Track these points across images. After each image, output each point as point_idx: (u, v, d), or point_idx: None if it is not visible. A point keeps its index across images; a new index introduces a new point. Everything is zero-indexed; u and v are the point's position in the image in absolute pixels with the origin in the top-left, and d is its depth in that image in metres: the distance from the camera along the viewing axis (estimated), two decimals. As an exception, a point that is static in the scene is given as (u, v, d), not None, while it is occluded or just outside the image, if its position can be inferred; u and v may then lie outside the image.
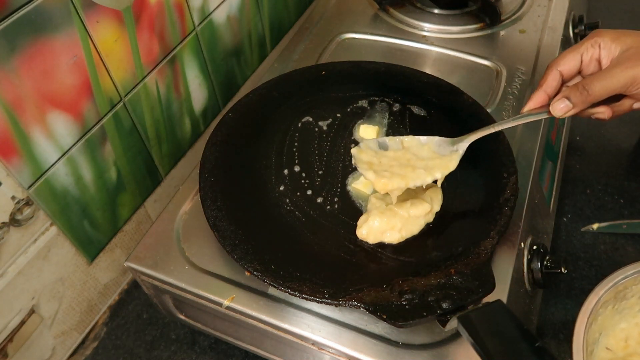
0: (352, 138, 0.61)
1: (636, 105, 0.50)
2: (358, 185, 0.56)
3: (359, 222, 0.52)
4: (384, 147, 0.53)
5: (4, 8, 0.43)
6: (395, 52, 0.77)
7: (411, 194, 0.53)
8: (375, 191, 0.55)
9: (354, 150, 0.52)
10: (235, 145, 0.60)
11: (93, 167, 0.58)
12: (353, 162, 0.52)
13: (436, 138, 0.53)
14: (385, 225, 0.50)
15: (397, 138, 0.54)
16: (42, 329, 0.58)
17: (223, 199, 0.54)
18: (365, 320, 0.48)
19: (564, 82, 0.51)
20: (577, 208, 0.74)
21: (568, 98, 0.47)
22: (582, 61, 0.50)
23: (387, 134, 0.61)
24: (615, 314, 0.53)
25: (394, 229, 0.50)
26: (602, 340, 0.52)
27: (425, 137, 0.54)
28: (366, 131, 0.60)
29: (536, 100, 0.50)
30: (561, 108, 0.48)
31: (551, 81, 0.50)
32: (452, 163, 0.51)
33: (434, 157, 0.52)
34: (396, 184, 0.49)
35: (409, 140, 0.54)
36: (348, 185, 0.56)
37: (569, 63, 0.50)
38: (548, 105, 0.49)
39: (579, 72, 0.51)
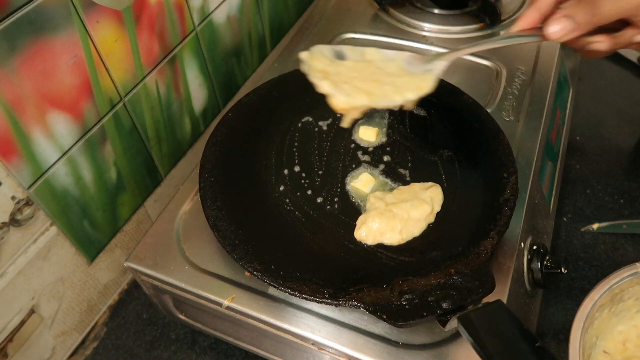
0: (352, 138, 0.61)
1: (637, 37, 0.43)
2: (357, 184, 0.56)
3: (357, 223, 0.51)
4: (340, 57, 0.44)
5: (4, 8, 0.43)
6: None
7: (411, 194, 0.53)
8: (374, 190, 0.55)
9: (303, 55, 0.43)
10: (235, 145, 0.60)
11: (93, 167, 0.58)
12: (302, 67, 0.42)
13: (407, 54, 0.45)
14: (384, 226, 0.50)
15: (358, 48, 0.45)
16: (42, 329, 0.58)
17: (223, 199, 0.54)
18: (365, 320, 0.48)
19: (558, 2, 0.44)
20: (577, 208, 0.74)
21: (571, 17, 0.40)
22: None
23: (387, 134, 0.61)
24: (612, 317, 0.52)
25: (394, 231, 0.50)
26: (600, 344, 0.52)
27: (392, 52, 0.45)
28: (366, 132, 0.60)
29: (528, 19, 0.44)
30: (559, 29, 0.41)
31: None
32: (425, 83, 0.42)
33: (404, 74, 0.43)
34: (359, 100, 0.40)
35: (372, 52, 0.45)
36: (347, 185, 0.56)
37: None
38: (541, 28, 0.43)
39: None
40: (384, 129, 0.62)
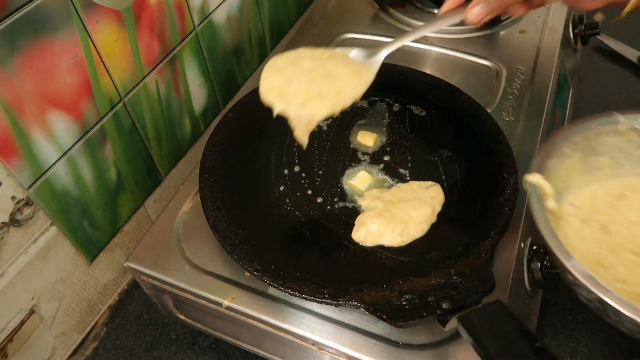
0: (349, 142, 0.61)
1: None
2: (353, 182, 0.56)
3: (355, 224, 0.51)
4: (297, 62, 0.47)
5: (4, 8, 0.43)
6: (395, 52, 0.77)
7: (410, 193, 0.53)
8: (370, 188, 0.55)
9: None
10: (235, 145, 0.60)
11: (93, 167, 0.58)
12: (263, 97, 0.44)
13: (351, 50, 0.49)
14: (384, 227, 0.50)
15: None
16: (42, 329, 0.58)
17: (223, 199, 0.54)
18: (365, 320, 0.48)
19: None
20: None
21: (485, 1, 0.47)
22: None
23: (387, 134, 0.61)
24: (585, 173, 0.50)
25: (395, 232, 0.50)
26: (568, 196, 0.49)
27: (337, 50, 0.49)
28: (364, 137, 0.60)
29: (451, 2, 0.49)
30: (477, 14, 0.47)
31: None
32: (366, 77, 0.46)
33: (351, 65, 0.47)
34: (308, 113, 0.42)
35: (320, 52, 0.48)
36: (344, 184, 0.56)
37: None
38: (464, 7, 0.48)
39: None
40: (384, 132, 0.62)
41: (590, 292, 0.38)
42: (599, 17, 0.51)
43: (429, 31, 0.49)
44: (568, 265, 0.39)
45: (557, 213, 0.47)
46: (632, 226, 0.48)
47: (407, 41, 0.49)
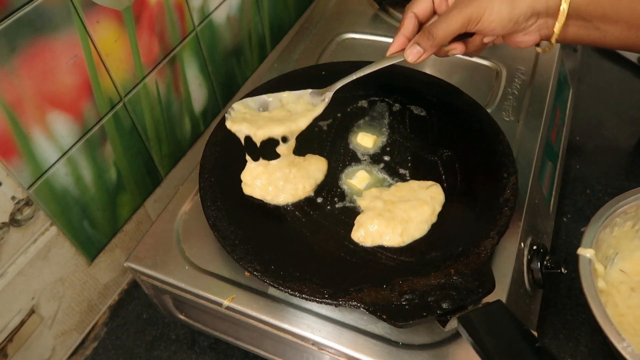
0: (349, 142, 0.61)
1: (486, 39, 0.53)
2: (352, 181, 0.56)
3: (355, 224, 0.51)
4: (264, 107, 0.55)
5: (4, 8, 0.43)
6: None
7: (410, 193, 0.53)
8: (369, 187, 0.55)
9: (230, 111, 0.54)
10: (235, 145, 0.60)
11: (93, 167, 0.58)
12: (227, 124, 0.53)
13: (309, 90, 0.56)
14: (383, 227, 0.50)
15: (276, 95, 0.56)
16: (42, 329, 0.58)
17: (223, 199, 0.54)
18: (365, 320, 0.48)
19: (421, 23, 0.53)
20: (577, 208, 0.74)
21: (418, 44, 0.50)
22: (433, 2, 0.52)
23: (387, 134, 0.61)
24: (635, 238, 0.51)
25: (395, 233, 0.50)
26: (618, 262, 0.51)
27: (300, 91, 0.56)
28: (364, 139, 0.60)
29: (396, 44, 0.53)
30: (414, 53, 0.50)
31: (408, 24, 0.52)
32: (317, 109, 0.53)
33: (308, 109, 0.54)
34: (268, 131, 0.51)
35: (286, 95, 0.56)
36: (343, 183, 0.56)
37: (421, 5, 0.52)
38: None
39: (435, 13, 0.53)
40: (384, 132, 0.61)
41: None
42: (540, 50, 0.52)
43: (377, 68, 0.54)
44: (619, 347, 0.39)
45: (606, 280, 0.49)
46: None
47: (355, 77, 0.54)
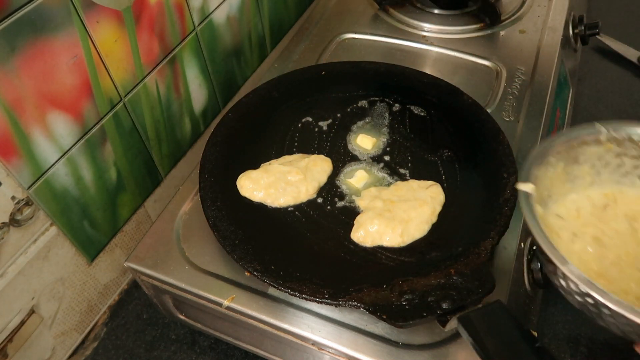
0: (349, 142, 0.61)
1: None
2: (351, 180, 0.56)
3: (355, 224, 0.51)
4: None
5: (4, 8, 0.43)
6: (395, 52, 0.77)
7: (409, 192, 0.53)
8: (367, 187, 0.55)
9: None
10: (235, 145, 0.60)
11: (93, 167, 0.58)
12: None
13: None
14: (383, 228, 0.50)
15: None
16: (42, 329, 0.58)
17: (223, 199, 0.54)
18: (365, 320, 0.48)
19: None
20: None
21: None
22: None
23: (387, 135, 0.61)
24: (567, 182, 0.51)
25: (395, 233, 0.50)
26: (552, 206, 0.51)
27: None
28: (363, 140, 0.60)
29: None
30: None
31: None
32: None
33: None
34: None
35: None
36: (342, 183, 0.56)
37: None
38: None
39: None
40: (384, 132, 0.61)
41: (587, 294, 0.38)
42: None
43: None
44: (564, 269, 0.39)
45: (546, 224, 0.48)
46: (625, 239, 0.49)
47: None
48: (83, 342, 0.66)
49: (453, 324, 0.41)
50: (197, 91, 0.73)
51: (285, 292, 0.46)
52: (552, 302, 0.64)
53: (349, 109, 0.64)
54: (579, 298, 0.41)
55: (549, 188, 0.50)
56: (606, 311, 0.39)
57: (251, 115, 0.63)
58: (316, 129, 0.62)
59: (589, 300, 0.39)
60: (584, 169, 0.52)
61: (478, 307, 0.41)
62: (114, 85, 0.58)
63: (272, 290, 0.51)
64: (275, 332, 0.50)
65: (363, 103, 0.65)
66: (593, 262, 0.47)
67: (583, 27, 0.84)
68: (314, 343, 0.48)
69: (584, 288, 0.38)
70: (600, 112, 0.89)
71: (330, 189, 0.56)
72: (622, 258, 0.47)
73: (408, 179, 0.56)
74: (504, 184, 0.52)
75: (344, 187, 0.56)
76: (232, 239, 0.50)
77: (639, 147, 0.51)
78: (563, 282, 0.42)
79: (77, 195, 0.57)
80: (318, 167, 0.56)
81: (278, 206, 0.54)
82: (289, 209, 0.54)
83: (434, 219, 0.52)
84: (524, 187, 0.46)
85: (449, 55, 0.75)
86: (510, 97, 0.67)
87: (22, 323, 0.55)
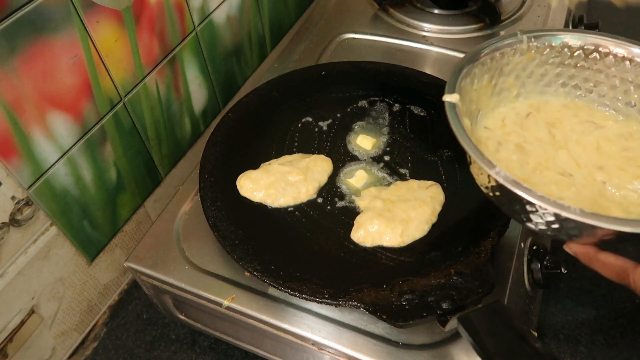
0: (349, 142, 0.61)
1: None
2: (350, 180, 0.56)
3: (354, 224, 0.51)
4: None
5: (4, 8, 0.43)
6: (395, 52, 0.77)
7: (409, 192, 0.53)
8: (367, 186, 0.55)
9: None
10: (235, 145, 0.60)
11: (93, 167, 0.58)
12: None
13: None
14: (383, 228, 0.50)
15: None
16: (42, 329, 0.58)
17: (223, 199, 0.54)
18: (365, 320, 0.48)
19: None
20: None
21: None
22: None
23: (387, 134, 0.61)
24: (493, 95, 0.52)
25: (395, 233, 0.50)
26: (481, 120, 0.51)
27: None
28: (363, 141, 0.60)
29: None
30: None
31: None
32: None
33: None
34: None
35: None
36: (342, 183, 0.56)
37: None
38: None
39: None
40: (384, 132, 0.61)
41: (515, 195, 0.38)
42: None
43: None
44: (492, 172, 0.39)
45: (475, 137, 0.49)
46: (544, 145, 0.49)
47: None
48: (83, 342, 0.66)
49: (453, 324, 0.41)
50: (197, 91, 0.73)
51: (285, 292, 0.46)
52: (552, 302, 0.64)
53: (349, 109, 0.64)
54: (507, 202, 0.41)
55: (477, 102, 0.51)
56: (532, 209, 0.39)
57: (251, 115, 0.63)
58: (316, 129, 0.62)
59: (516, 204, 0.40)
60: (509, 80, 0.52)
61: (478, 307, 0.41)
62: (114, 85, 0.58)
63: (272, 290, 0.51)
64: (275, 332, 0.50)
65: (363, 103, 0.65)
66: (516, 168, 0.48)
67: (583, 27, 0.84)
68: (314, 343, 0.48)
69: (512, 188, 0.38)
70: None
71: (330, 189, 0.56)
72: (542, 163, 0.48)
73: (408, 179, 0.56)
74: (504, 184, 0.52)
75: (343, 187, 0.56)
76: (232, 239, 0.50)
77: (560, 54, 0.51)
78: (492, 189, 0.42)
79: (77, 195, 0.57)
80: (318, 167, 0.56)
81: (278, 206, 0.54)
82: (289, 209, 0.54)
83: (434, 219, 0.52)
84: (449, 97, 0.46)
85: (449, 55, 0.75)
86: (510, 97, 0.67)
87: (22, 323, 0.55)
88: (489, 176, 0.41)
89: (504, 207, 0.43)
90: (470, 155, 0.41)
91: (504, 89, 0.53)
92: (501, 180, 0.39)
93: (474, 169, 0.45)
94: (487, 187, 0.44)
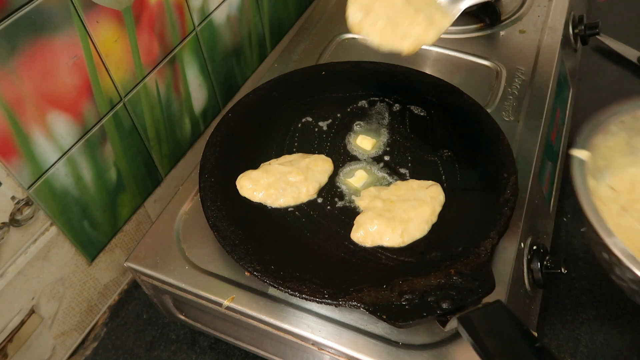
0: (349, 142, 0.61)
1: None
2: (350, 180, 0.56)
3: (354, 224, 0.51)
4: None
5: (4, 8, 0.43)
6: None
7: (409, 192, 0.53)
8: (367, 186, 0.55)
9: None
10: (235, 145, 0.60)
11: (93, 167, 0.58)
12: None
13: None
14: (383, 228, 0.50)
15: None
16: (42, 329, 0.58)
17: (223, 199, 0.54)
18: (365, 320, 0.48)
19: None
20: (577, 208, 0.74)
21: None
22: None
23: (387, 135, 0.61)
24: (627, 153, 0.49)
25: (395, 233, 0.50)
26: (607, 177, 0.48)
27: None
28: (363, 142, 0.60)
29: None
30: None
31: None
32: (446, 20, 0.50)
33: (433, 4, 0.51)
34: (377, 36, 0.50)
35: None
36: (342, 183, 0.56)
37: None
38: None
39: None
40: (384, 132, 0.61)
41: (628, 269, 0.37)
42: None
43: None
44: (609, 242, 0.38)
45: (596, 194, 0.46)
46: None
47: None
48: (83, 342, 0.66)
49: (453, 324, 0.41)
50: (197, 91, 0.73)
51: (285, 292, 0.46)
52: (552, 302, 0.64)
53: (349, 109, 0.64)
54: (618, 272, 0.40)
55: (607, 157, 0.48)
56: None
57: (251, 115, 0.63)
58: (316, 129, 0.62)
59: (629, 275, 0.38)
60: None
61: (478, 307, 0.41)
62: (114, 85, 0.58)
63: (272, 290, 0.51)
64: (275, 332, 0.50)
65: (363, 103, 0.65)
66: (639, 239, 0.45)
67: (583, 27, 0.84)
68: (314, 343, 0.48)
69: (627, 263, 0.37)
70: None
71: (330, 188, 0.56)
72: None
73: (408, 179, 0.56)
74: (504, 184, 0.52)
75: (343, 187, 0.56)
76: (232, 239, 0.50)
77: None
78: (605, 255, 0.41)
79: (77, 195, 0.57)
80: (319, 168, 0.56)
81: (278, 206, 0.54)
82: (289, 209, 0.54)
83: (434, 219, 0.52)
84: (578, 153, 0.43)
85: (449, 55, 0.75)
86: (510, 97, 0.67)
87: (22, 323, 0.55)
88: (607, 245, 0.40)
89: (611, 272, 0.42)
90: (589, 219, 0.40)
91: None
92: (617, 253, 0.38)
93: (589, 230, 0.43)
94: (600, 250, 0.42)
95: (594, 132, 0.45)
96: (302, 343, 0.49)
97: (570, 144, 0.80)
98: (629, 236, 0.45)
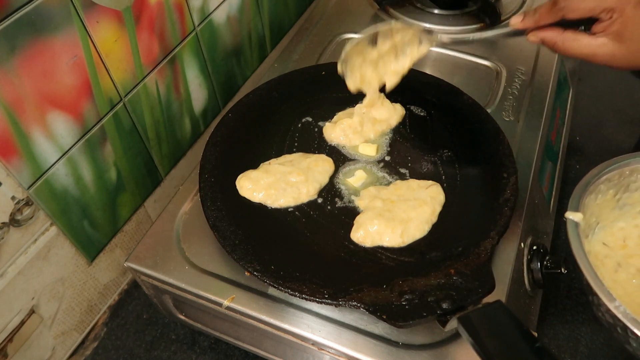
0: (350, 151, 0.61)
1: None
2: (349, 180, 0.56)
3: (354, 224, 0.51)
4: (373, 42, 0.58)
5: (4, 8, 0.43)
6: (395, 52, 0.77)
7: (409, 192, 0.53)
8: (366, 186, 0.55)
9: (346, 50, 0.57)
10: (235, 145, 0.60)
11: (93, 167, 0.58)
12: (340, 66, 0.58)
13: (421, 27, 0.59)
14: (383, 228, 0.50)
15: (387, 24, 0.57)
16: (42, 329, 0.58)
17: (223, 199, 0.54)
18: (365, 320, 0.48)
19: None
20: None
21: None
22: None
23: (388, 134, 0.61)
24: (616, 209, 0.51)
25: (395, 233, 0.49)
26: (599, 233, 0.50)
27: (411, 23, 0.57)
28: (366, 149, 0.60)
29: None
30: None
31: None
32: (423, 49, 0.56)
33: (414, 43, 0.57)
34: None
35: (394, 24, 0.57)
36: (341, 183, 0.56)
37: None
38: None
39: None
40: (386, 141, 0.61)
41: (631, 332, 0.39)
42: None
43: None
44: (611, 306, 0.39)
45: (592, 253, 0.49)
46: None
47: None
48: (83, 342, 0.66)
49: (453, 324, 0.41)
50: (197, 91, 0.73)
51: (285, 292, 0.46)
52: (552, 302, 0.64)
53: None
54: (620, 331, 0.41)
55: (597, 214, 0.50)
56: None
57: (251, 115, 0.63)
58: (316, 129, 0.62)
59: (632, 334, 0.40)
60: (635, 196, 0.51)
61: (478, 307, 0.41)
62: (114, 85, 0.58)
63: (272, 290, 0.51)
64: (275, 332, 0.50)
65: (363, 103, 0.65)
66: (637, 293, 0.47)
67: (583, 28, 0.84)
68: (314, 343, 0.48)
69: (631, 326, 0.38)
70: (600, 112, 0.89)
71: (330, 188, 0.56)
72: None
73: (408, 179, 0.56)
74: (504, 184, 0.52)
75: (343, 187, 0.56)
76: (232, 239, 0.50)
77: None
78: (609, 317, 0.42)
79: (77, 195, 0.57)
80: (319, 168, 0.56)
81: (278, 206, 0.54)
82: (289, 209, 0.54)
83: (434, 219, 0.52)
84: (573, 216, 0.45)
85: (449, 55, 0.75)
86: (510, 97, 0.67)
87: (22, 323, 0.55)
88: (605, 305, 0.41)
89: (614, 331, 0.43)
90: (590, 283, 0.41)
91: (627, 204, 0.52)
92: (620, 316, 0.39)
93: (589, 293, 0.44)
94: (601, 311, 0.43)
95: (584, 193, 0.47)
96: (302, 343, 0.49)
97: (570, 145, 0.81)
98: (626, 292, 0.47)
